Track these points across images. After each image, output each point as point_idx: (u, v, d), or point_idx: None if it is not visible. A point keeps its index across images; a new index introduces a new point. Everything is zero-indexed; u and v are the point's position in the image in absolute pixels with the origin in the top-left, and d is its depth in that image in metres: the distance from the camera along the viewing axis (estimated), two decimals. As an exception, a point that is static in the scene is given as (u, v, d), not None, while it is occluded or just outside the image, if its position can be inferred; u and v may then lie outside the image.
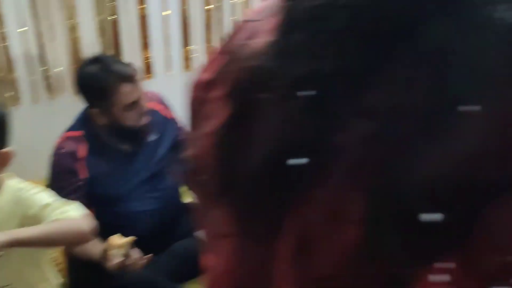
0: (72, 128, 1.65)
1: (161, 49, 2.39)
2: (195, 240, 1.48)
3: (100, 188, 1.58)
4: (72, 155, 1.59)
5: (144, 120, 1.61)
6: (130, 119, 1.57)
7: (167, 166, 1.70)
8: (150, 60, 2.39)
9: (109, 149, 1.65)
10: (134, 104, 1.55)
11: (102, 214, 1.51)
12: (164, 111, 1.78)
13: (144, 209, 1.62)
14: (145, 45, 2.35)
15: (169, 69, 2.43)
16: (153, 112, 1.69)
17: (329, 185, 0.22)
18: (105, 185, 1.61)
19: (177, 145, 1.74)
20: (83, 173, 1.58)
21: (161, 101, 1.79)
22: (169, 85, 2.23)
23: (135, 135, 1.63)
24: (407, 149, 0.20)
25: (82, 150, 1.60)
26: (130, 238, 1.38)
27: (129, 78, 1.53)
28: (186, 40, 2.45)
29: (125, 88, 1.51)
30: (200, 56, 2.47)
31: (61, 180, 1.57)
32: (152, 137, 1.70)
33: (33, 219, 1.14)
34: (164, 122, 1.76)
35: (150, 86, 1.98)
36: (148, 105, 1.63)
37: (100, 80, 1.52)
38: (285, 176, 0.23)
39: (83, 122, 1.65)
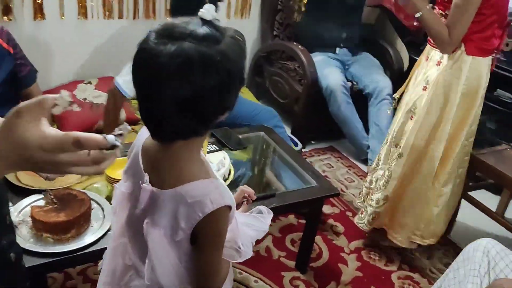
0: None
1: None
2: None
3: None
4: None
5: None
6: None
7: (3, 99, 1.85)
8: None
9: None
10: None
11: None
12: (4, 45, 1.90)
13: None
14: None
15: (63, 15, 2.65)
16: None
17: None
18: None
19: (14, 78, 1.92)
20: None
21: (6, 36, 1.91)
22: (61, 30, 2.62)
23: None
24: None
25: None
26: None
27: None
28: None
29: None
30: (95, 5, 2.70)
31: None
32: None
33: None
34: (1, 53, 1.88)
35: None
36: None
37: None
38: None
39: None
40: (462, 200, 2.27)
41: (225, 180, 1.78)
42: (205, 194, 0.88)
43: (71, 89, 2.59)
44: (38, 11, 2.60)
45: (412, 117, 2.01)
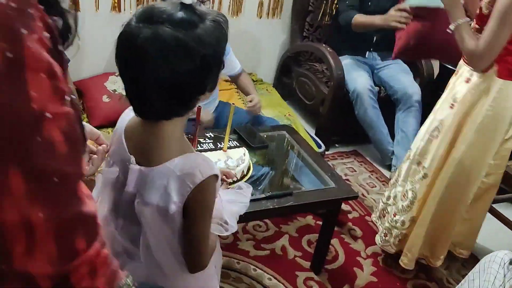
0: None
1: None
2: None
3: None
4: None
5: None
6: None
7: None
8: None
9: None
10: None
11: None
12: None
13: None
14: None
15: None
16: None
17: None
18: None
19: None
20: None
21: None
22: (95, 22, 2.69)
23: None
24: None
25: None
26: None
27: None
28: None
29: None
30: None
31: None
32: None
33: None
34: None
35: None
36: None
37: None
38: None
39: None
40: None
41: (243, 176, 1.80)
42: (195, 166, 0.92)
43: (103, 80, 2.67)
44: (75, 3, 2.67)
45: (437, 136, 1.92)
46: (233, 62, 2.43)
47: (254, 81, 3.31)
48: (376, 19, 2.93)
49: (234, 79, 2.53)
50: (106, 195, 1.04)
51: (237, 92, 3.08)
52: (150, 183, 0.94)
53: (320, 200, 1.82)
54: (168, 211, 0.94)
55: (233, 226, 1.11)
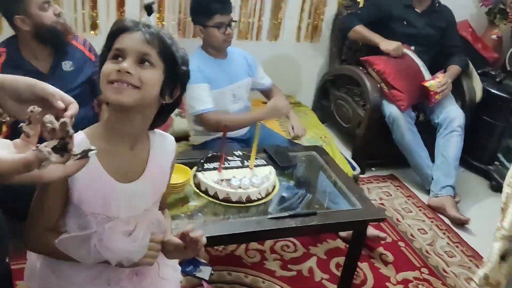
0: None
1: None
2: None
3: None
4: None
5: (62, 21, 1.97)
6: (48, 18, 1.93)
7: (81, 98, 1.98)
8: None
9: (24, 64, 1.96)
10: (47, 3, 1.93)
11: (16, 126, 1.79)
12: (87, 53, 2.14)
13: None
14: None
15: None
16: (75, 49, 2.11)
17: None
18: None
19: (92, 82, 2.12)
20: None
21: (88, 46, 2.16)
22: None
23: (56, 36, 1.96)
24: None
25: None
26: None
27: None
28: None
29: None
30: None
31: None
32: (68, 67, 2.06)
33: None
34: (83, 59, 2.11)
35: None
36: (76, 44, 2.11)
37: None
38: None
39: (9, 40, 2.02)
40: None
41: (268, 194, 1.81)
42: None
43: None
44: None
45: None
46: (263, 78, 2.46)
47: (292, 103, 3.34)
48: (380, 41, 2.94)
49: (267, 95, 2.54)
50: None
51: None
52: None
53: (344, 220, 1.81)
54: None
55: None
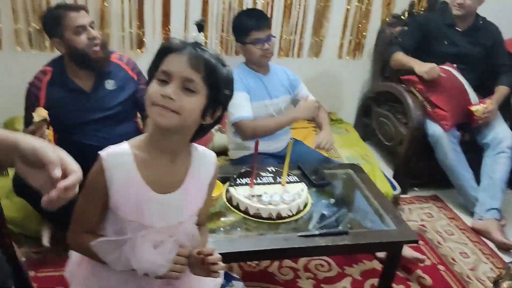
0: (46, 65, 2.09)
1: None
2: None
3: (57, 116, 1.91)
4: (37, 84, 2.03)
5: (97, 48, 2.01)
6: (80, 42, 1.98)
7: (124, 115, 2.14)
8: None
9: (68, 83, 2.05)
10: (82, 28, 1.98)
11: (62, 140, 2.05)
12: (130, 72, 2.19)
13: (92, 144, 1.96)
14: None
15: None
16: (119, 68, 2.16)
17: None
18: (61, 114, 1.99)
19: (135, 100, 2.18)
20: (43, 100, 2.00)
21: (132, 65, 2.21)
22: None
23: (91, 62, 2.01)
24: None
25: (45, 80, 2.03)
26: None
27: (74, 7, 2.03)
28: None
29: (71, 14, 1.97)
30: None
31: (29, 107, 1.98)
32: (111, 86, 2.11)
33: None
34: (126, 78, 2.16)
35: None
36: (119, 63, 2.16)
37: (52, 12, 2.03)
38: None
39: (56, 59, 2.10)
40: None
41: (299, 211, 1.81)
42: None
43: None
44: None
45: None
46: (305, 95, 2.44)
47: (333, 120, 3.33)
48: (414, 64, 2.86)
49: None
50: None
51: (314, 130, 3.11)
52: None
53: (376, 241, 1.77)
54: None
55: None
